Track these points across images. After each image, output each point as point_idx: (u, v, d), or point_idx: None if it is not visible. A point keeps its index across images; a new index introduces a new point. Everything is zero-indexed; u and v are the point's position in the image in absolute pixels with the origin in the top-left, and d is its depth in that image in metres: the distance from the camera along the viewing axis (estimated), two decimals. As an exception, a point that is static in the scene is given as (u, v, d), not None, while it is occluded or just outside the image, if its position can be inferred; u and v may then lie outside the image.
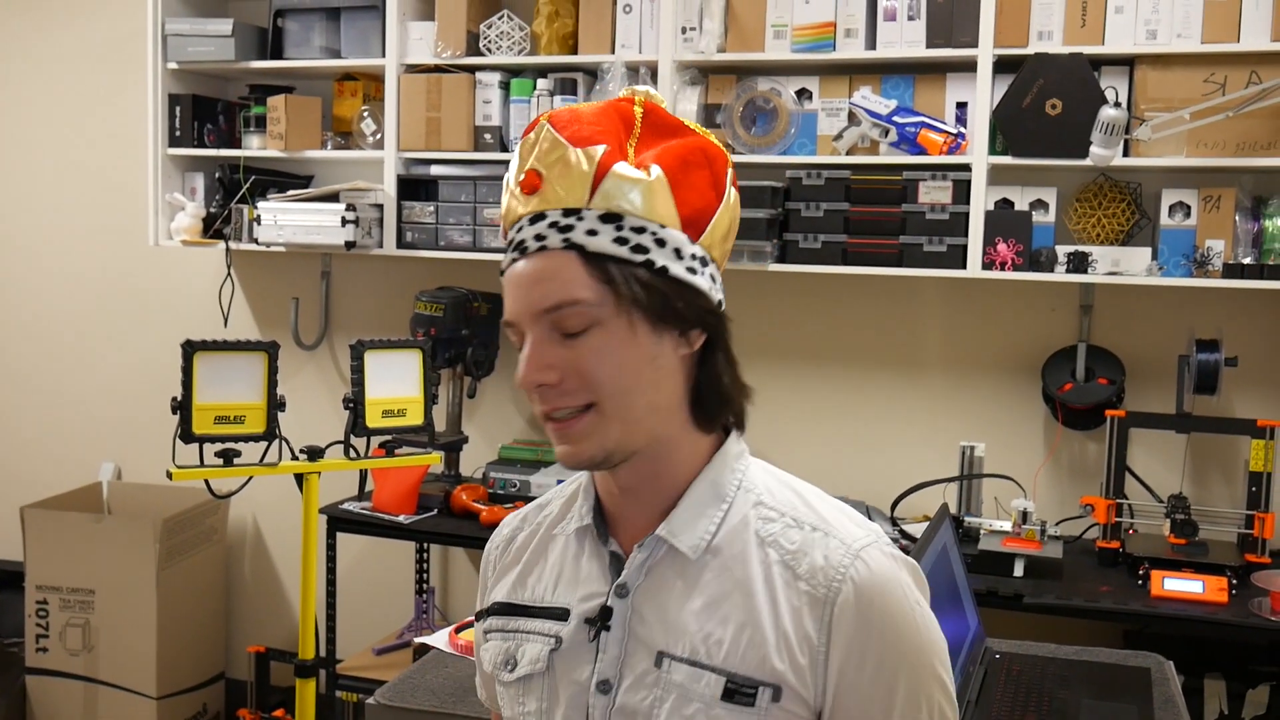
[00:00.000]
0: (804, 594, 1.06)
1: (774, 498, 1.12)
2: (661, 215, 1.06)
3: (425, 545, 3.58)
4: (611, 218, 1.05)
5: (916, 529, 2.90)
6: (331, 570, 3.24)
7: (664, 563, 1.11)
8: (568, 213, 1.05)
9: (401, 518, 3.13)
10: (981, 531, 2.81)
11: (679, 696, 1.07)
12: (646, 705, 1.08)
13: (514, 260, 1.07)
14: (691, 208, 1.08)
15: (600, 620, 1.11)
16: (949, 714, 1.10)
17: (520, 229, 1.07)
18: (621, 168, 1.06)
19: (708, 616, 1.08)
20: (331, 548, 3.23)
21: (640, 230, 1.05)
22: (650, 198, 1.06)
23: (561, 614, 1.14)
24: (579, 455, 1.07)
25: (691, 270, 1.07)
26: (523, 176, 1.08)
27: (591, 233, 1.05)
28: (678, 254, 1.07)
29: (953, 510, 2.94)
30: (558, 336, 1.05)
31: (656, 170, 1.06)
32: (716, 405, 1.12)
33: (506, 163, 3.22)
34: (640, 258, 1.05)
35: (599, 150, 1.06)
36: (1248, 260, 2.76)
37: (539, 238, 1.05)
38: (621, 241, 1.05)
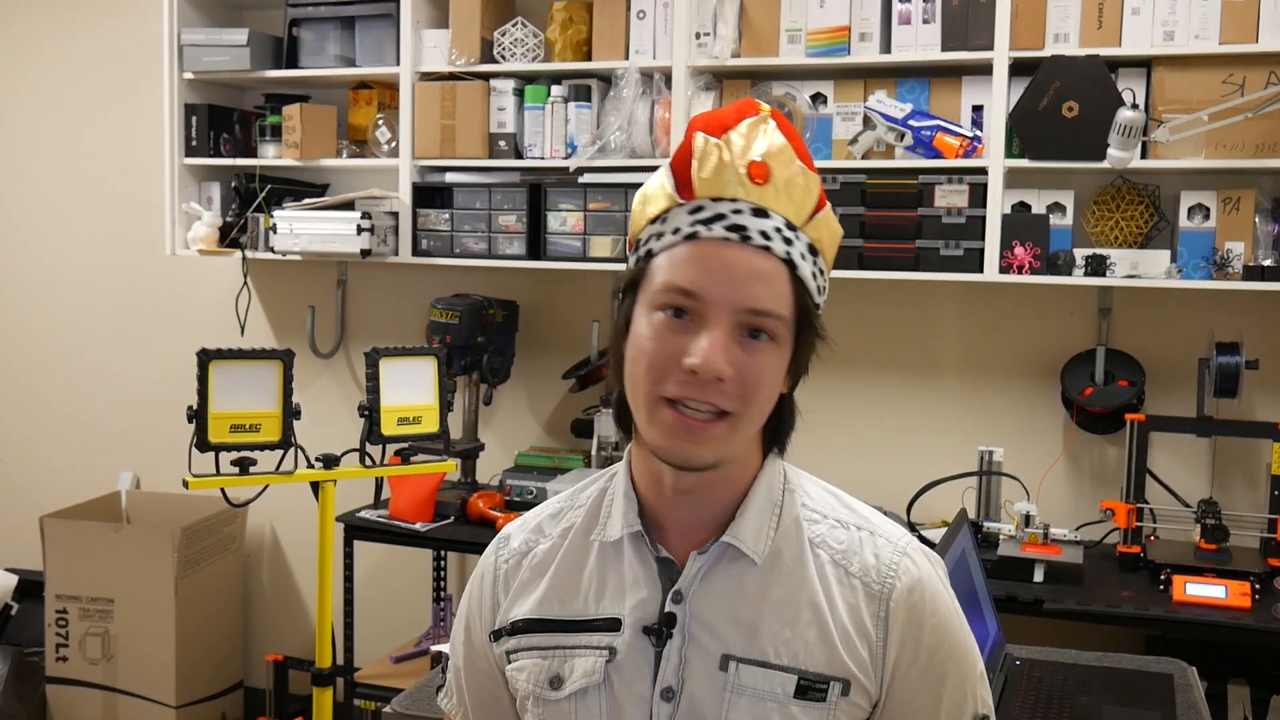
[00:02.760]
0: (859, 590, 1.11)
1: (814, 500, 1.16)
2: (829, 269, 1.12)
3: (442, 553, 3.57)
4: (814, 250, 1.09)
5: (935, 534, 2.88)
6: (349, 578, 3.24)
7: (721, 567, 1.11)
8: (789, 225, 1.07)
9: (418, 525, 3.13)
10: (1000, 536, 2.79)
11: (751, 698, 1.08)
12: (715, 709, 1.08)
13: (724, 239, 1.04)
14: (832, 259, 1.14)
15: (664, 627, 1.10)
16: (988, 706, 1.16)
17: (740, 212, 1.05)
18: (830, 210, 1.10)
19: (774, 618, 1.10)
20: (349, 556, 3.23)
21: (823, 273, 1.11)
22: (835, 249, 1.12)
23: (612, 624, 1.12)
24: (697, 457, 1.06)
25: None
26: (753, 161, 1.06)
27: (803, 257, 1.07)
28: (822, 306, 1.12)
29: (971, 515, 2.92)
30: (737, 336, 1.04)
31: (837, 224, 1.12)
32: (785, 441, 1.17)
33: (521, 170, 3.26)
34: (819, 300, 1.10)
35: (818, 180, 1.10)
36: (1268, 262, 2.74)
37: (765, 235, 1.05)
38: (815, 278, 1.09)
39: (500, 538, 1.24)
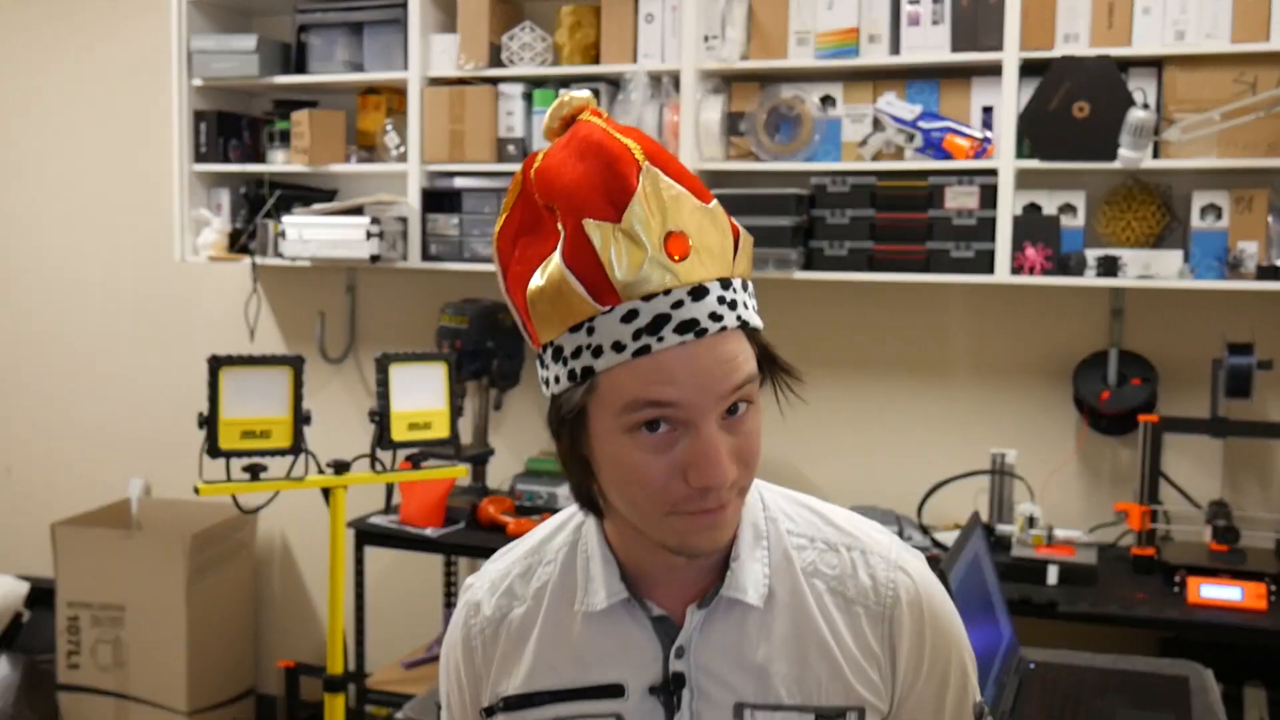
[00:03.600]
0: (861, 615, 1.09)
1: (796, 524, 1.12)
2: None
3: (453, 558, 3.57)
4: (746, 285, 1.00)
5: (947, 537, 2.87)
6: (360, 584, 3.24)
7: (719, 615, 1.07)
8: (724, 284, 0.97)
9: (429, 531, 3.13)
10: (1013, 539, 2.78)
11: None
12: None
13: (682, 343, 0.94)
14: None
15: (674, 687, 1.06)
16: (979, 697, 1.17)
17: (680, 305, 0.94)
18: (739, 227, 1.00)
19: (782, 658, 1.07)
20: (360, 561, 3.23)
21: (753, 296, 1.02)
22: (749, 253, 1.03)
23: (615, 690, 1.08)
24: (720, 541, 1.02)
25: None
26: (667, 236, 0.94)
27: (745, 304, 0.99)
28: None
29: (984, 518, 2.91)
30: (721, 423, 0.97)
31: (737, 225, 1.03)
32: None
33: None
34: (761, 325, 1.01)
35: (718, 206, 0.99)
36: (1281, 262, 2.73)
37: (715, 316, 0.95)
38: (756, 312, 1.01)
39: (468, 604, 1.17)
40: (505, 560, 1.18)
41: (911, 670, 1.09)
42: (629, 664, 1.08)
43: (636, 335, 0.94)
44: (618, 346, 0.95)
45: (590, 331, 0.96)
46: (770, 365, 1.02)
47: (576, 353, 0.97)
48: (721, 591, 1.07)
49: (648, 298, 0.94)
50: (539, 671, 1.10)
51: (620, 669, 1.08)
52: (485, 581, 1.17)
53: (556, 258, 0.96)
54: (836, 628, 1.08)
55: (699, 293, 0.95)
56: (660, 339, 0.94)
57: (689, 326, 0.94)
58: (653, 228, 0.94)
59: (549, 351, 1.00)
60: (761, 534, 1.10)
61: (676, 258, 0.94)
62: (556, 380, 0.99)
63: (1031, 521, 2.75)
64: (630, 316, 0.94)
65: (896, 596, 1.09)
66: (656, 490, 0.97)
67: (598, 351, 0.96)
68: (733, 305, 0.97)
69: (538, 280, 0.97)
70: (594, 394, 0.97)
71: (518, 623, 1.13)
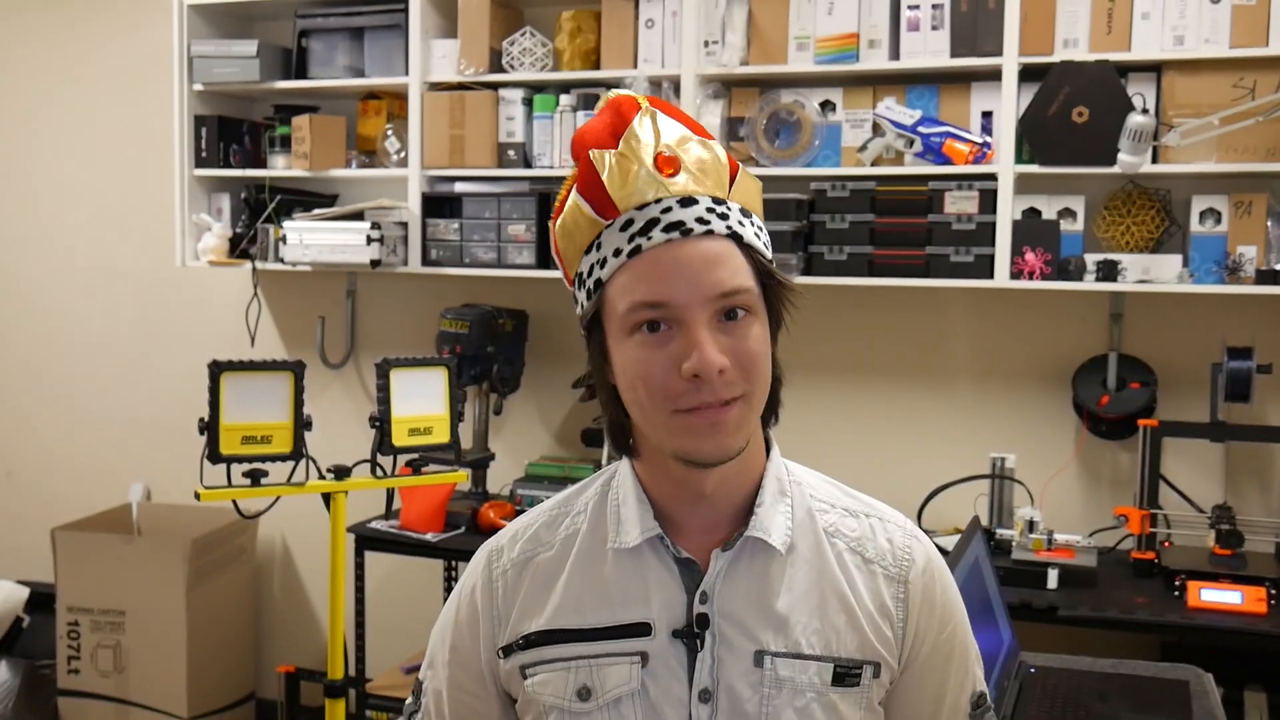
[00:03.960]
0: (879, 574, 1.14)
1: (818, 491, 1.19)
2: (763, 222, 1.13)
3: (453, 563, 3.57)
4: (746, 212, 1.09)
5: (948, 541, 2.87)
6: (360, 589, 3.24)
7: (743, 562, 1.12)
8: (717, 201, 1.06)
9: (429, 536, 3.13)
10: (1014, 543, 2.78)
11: (789, 690, 1.09)
12: (755, 704, 1.09)
13: (667, 241, 1.04)
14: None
15: (697, 629, 1.10)
16: (984, 684, 1.22)
17: (668, 210, 1.04)
18: (743, 170, 1.10)
19: (803, 609, 1.11)
20: (360, 566, 3.23)
21: (762, 229, 1.11)
22: (759, 203, 1.12)
23: (642, 629, 1.11)
24: (729, 448, 1.07)
25: None
26: (659, 155, 1.06)
27: (741, 224, 1.07)
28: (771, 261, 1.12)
29: (984, 523, 2.91)
30: (718, 324, 1.04)
31: (757, 182, 1.12)
32: (776, 401, 1.14)
33: (530, 179, 3.26)
34: (769, 256, 1.10)
35: (720, 148, 1.10)
36: (1280, 266, 2.73)
37: (702, 220, 1.04)
38: (758, 237, 1.09)
39: (490, 550, 1.20)
40: (529, 515, 1.23)
41: (921, 634, 1.15)
42: (655, 605, 1.11)
43: (631, 239, 1.05)
44: (616, 252, 1.05)
45: (598, 247, 1.07)
46: (770, 283, 1.08)
47: (590, 271, 1.08)
48: (746, 532, 1.11)
49: (642, 207, 1.05)
50: (565, 611, 1.14)
51: (648, 609, 1.12)
52: (508, 532, 1.22)
53: (572, 192, 1.09)
54: (855, 584, 1.13)
55: (688, 201, 1.05)
56: (649, 238, 1.04)
57: (676, 226, 1.04)
58: (646, 148, 1.06)
59: (575, 284, 1.11)
60: (785, 491, 1.15)
61: (668, 172, 1.05)
62: (580, 306, 1.11)
63: (1031, 526, 2.75)
64: (627, 225, 1.05)
65: (912, 560, 1.16)
66: (657, 386, 1.04)
67: (603, 263, 1.06)
68: (723, 217, 1.06)
69: (561, 219, 1.11)
70: (604, 304, 1.08)
71: (543, 566, 1.17)
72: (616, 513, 1.15)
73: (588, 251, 1.08)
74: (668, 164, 1.05)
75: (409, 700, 1.26)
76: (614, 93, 1.11)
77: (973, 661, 1.20)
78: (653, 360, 1.04)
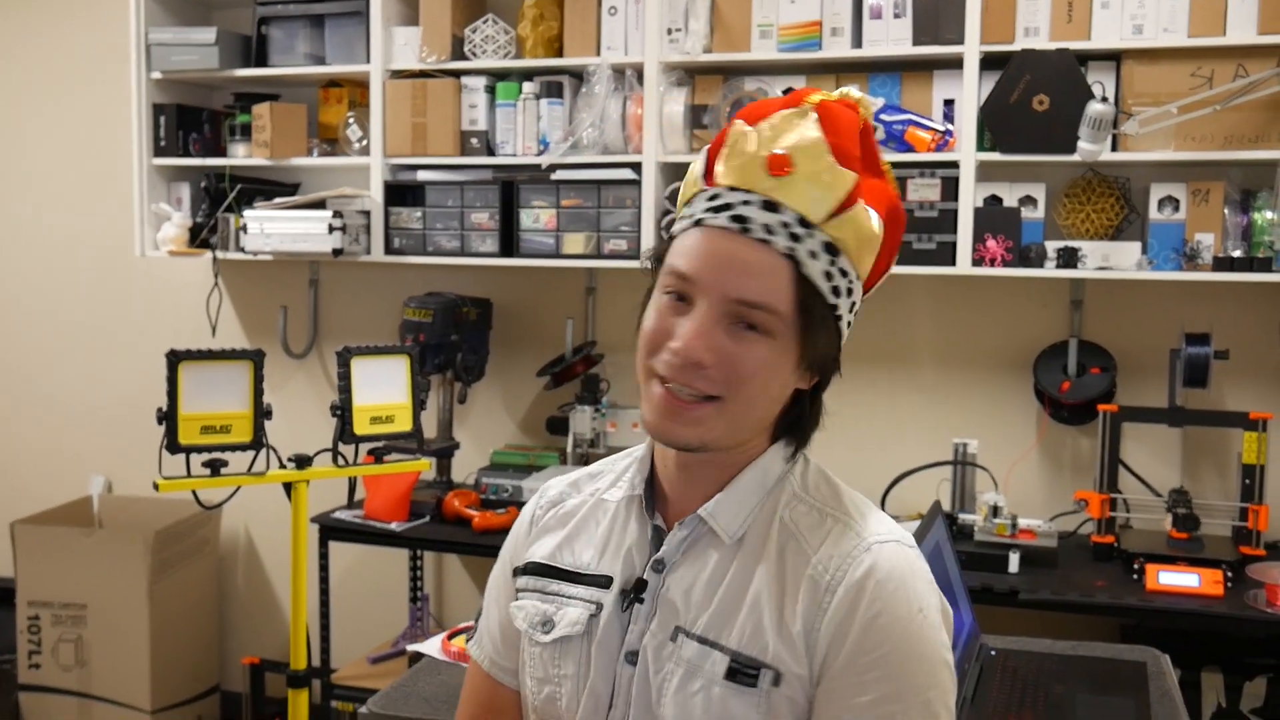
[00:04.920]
0: (809, 579, 1.08)
1: (810, 488, 1.17)
2: (863, 268, 1.10)
3: (418, 552, 3.56)
4: (833, 249, 1.07)
5: (910, 526, 2.88)
6: (325, 579, 3.22)
7: (701, 543, 1.14)
8: (802, 223, 1.05)
9: (394, 525, 3.12)
10: (975, 528, 2.80)
11: (686, 672, 1.10)
12: (659, 679, 1.11)
13: (724, 228, 1.05)
14: (879, 269, 1.13)
15: (634, 592, 1.14)
16: None
17: (748, 202, 1.05)
18: (863, 209, 1.07)
19: (724, 597, 1.11)
20: (324, 556, 3.21)
21: (845, 274, 1.09)
22: (866, 249, 1.09)
23: (605, 582, 1.17)
24: (680, 436, 1.08)
25: (849, 324, 1.12)
26: (776, 152, 1.05)
27: (813, 255, 1.06)
28: (852, 308, 1.11)
29: (946, 508, 2.93)
30: (726, 325, 1.05)
31: (879, 223, 1.09)
32: (804, 438, 1.17)
33: (494, 167, 3.24)
34: (834, 300, 1.08)
35: (851, 178, 1.06)
36: (1237, 253, 2.76)
37: (768, 229, 1.05)
38: (829, 277, 1.07)
39: (543, 489, 1.29)
40: (588, 467, 1.30)
41: (832, 649, 1.04)
42: (623, 562, 1.17)
43: (705, 212, 1.07)
44: (691, 216, 1.09)
45: (691, 205, 1.10)
46: (806, 323, 1.07)
47: (679, 220, 1.12)
48: (699, 512, 1.13)
49: (733, 189, 1.07)
50: (562, 550, 1.22)
51: (616, 565, 1.17)
52: (564, 477, 1.30)
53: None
54: (785, 586, 1.08)
55: (771, 206, 1.06)
56: (715, 216, 1.06)
57: (739, 219, 1.05)
58: (768, 141, 1.06)
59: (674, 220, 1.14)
60: (765, 487, 1.14)
61: (775, 172, 1.05)
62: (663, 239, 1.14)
63: (996, 511, 2.78)
64: (713, 198, 1.07)
65: (847, 572, 1.06)
66: (651, 341, 1.08)
67: (682, 220, 1.10)
68: (794, 238, 1.05)
69: (693, 165, 1.13)
70: (665, 253, 1.10)
71: (568, 508, 1.25)
72: (629, 467, 1.21)
73: (688, 203, 1.12)
74: (778, 164, 1.05)
75: (473, 626, 1.38)
76: (840, 92, 1.10)
77: (927, 702, 1.02)
78: (661, 320, 1.07)
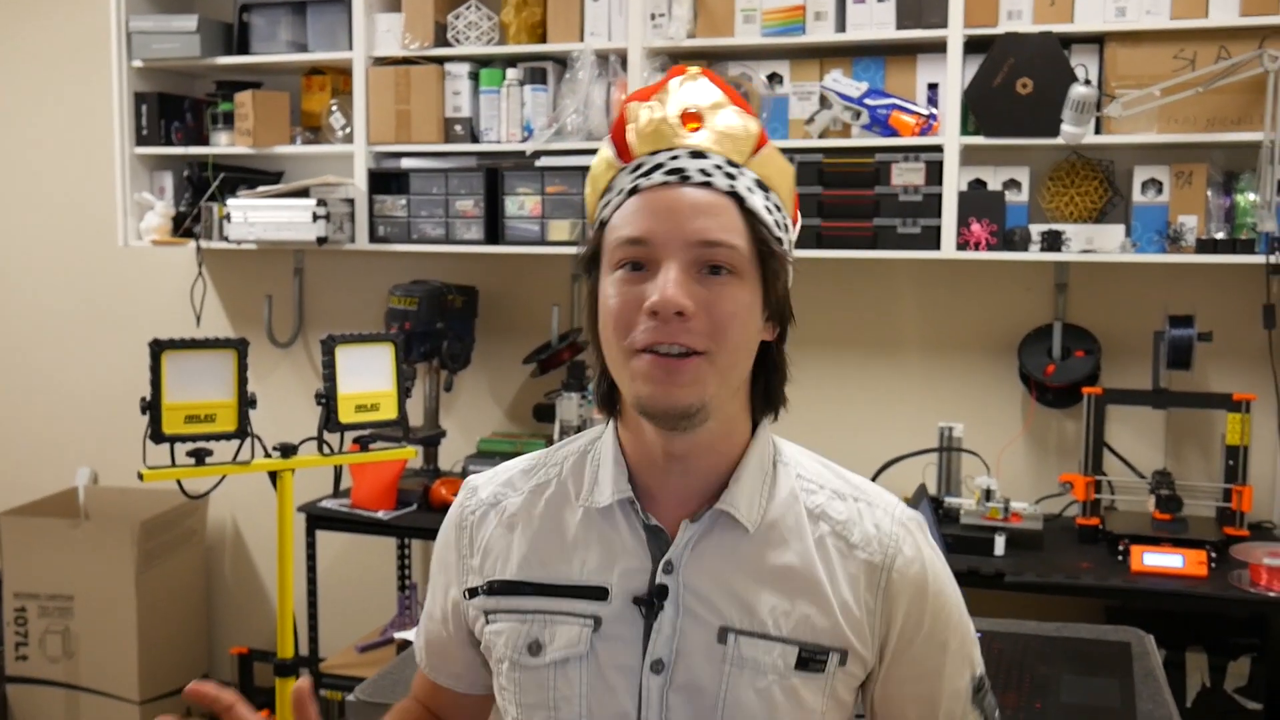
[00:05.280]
0: (861, 562, 1.11)
1: (807, 471, 1.16)
2: (788, 204, 1.13)
3: (406, 541, 3.56)
4: (763, 185, 1.09)
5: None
6: (312, 568, 3.22)
7: (714, 537, 1.10)
8: (730, 163, 1.08)
9: (381, 514, 3.11)
10: (961, 512, 2.81)
11: (751, 670, 1.08)
12: (714, 682, 1.07)
13: (664, 183, 1.06)
14: (791, 197, 1.14)
15: (656, 599, 1.09)
16: (981, 666, 1.19)
17: (676, 156, 1.07)
18: (773, 148, 1.11)
19: (773, 590, 1.09)
20: (311, 545, 3.21)
21: (780, 209, 1.11)
22: (787, 187, 1.12)
23: (598, 593, 1.10)
24: (677, 399, 1.04)
25: (791, 273, 1.12)
26: (685, 110, 1.08)
27: (750, 190, 1.07)
28: (790, 249, 1.12)
29: (932, 491, 2.94)
30: (695, 274, 1.04)
31: (789, 166, 1.12)
32: (778, 396, 1.15)
33: (478, 154, 3.23)
34: (779, 235, 1.09)
35: (756, 122, 1.11)
36: (1220, 235, 2.77)
37: (705, 173, 1.06)
38: (769, 212, 1.09)
39: (467, 487, 1.23)
40: (512, 461, 1.25)
41: (910, 627, 1.11)
42: (618, 569, 1.11)
43: (634, 180, 1.07)
44: (620, 191, 1.08)
45: (610, 189, 1.10)
46: (764, 257, 1.07)
47: (600, 211, 1.11)
48: (717, 505, 1.10)
49: (654, 153, 1.08)
50: (530, 563, 1.15)
51: (609, 574, 1.11)
52: (489, 473, 1.24)
53: (604, 142, 1.12)
54: (833, 569, 1.10)
55: (699, 155, 1.07)
56: (649, 179, 1.06)
57: (675, 172, 1.06)
58: (675, 102, 1.09)
59: (593, 224, 1.13)
60: (766, 469, 1.14)
61: (689, 126, 1.08)
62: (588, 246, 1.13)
63: (989, 494, 2.78)
64: (637, 168, 1.08)
65: (899, 549, 1.12)
66: (623, 320, 1.05)
67: (609, 203, 1.09)
68: (730, 177, 1.07)
69: (593, 166, 1.13)
70: (602, 242, 1.09)
71: (509, 511, 1.18)
72: (594, 472, 1.15)
73: (604, 193, 1.11)
74: (691, 119, 1.08)
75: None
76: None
77: (969, 646, 1.17)
78: (626, 295, 1.05)
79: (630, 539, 1.11)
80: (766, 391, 1.14)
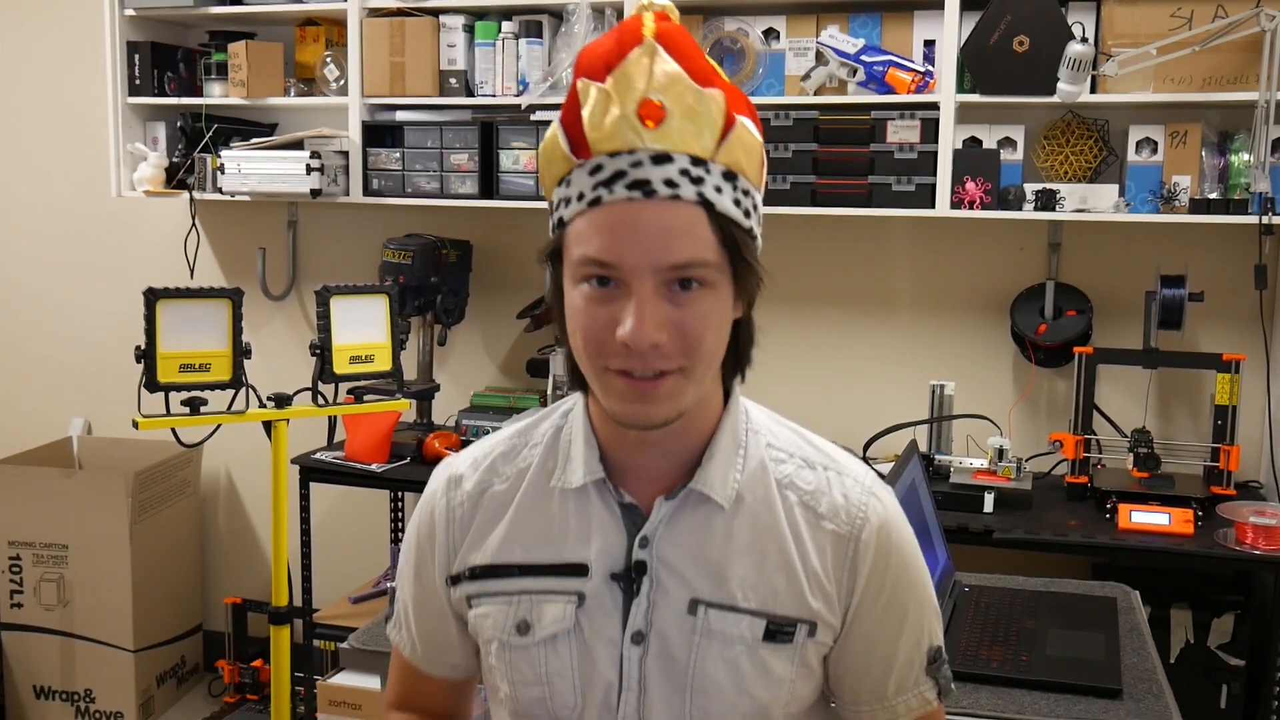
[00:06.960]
0: (829, 532, 1.11)
1: (778, 440, 1.16)
2: (756, 179, 1.07)
3: (399, 493, 3.58)
4: (731, 176, 1.02)
5: (885, 467, 2.92)
6: (306, 520, 3.24)
7: (686, 512, 1.11)
8: (696, 161, 1.00)
9: (374, 466, 3.13)
10: (953, 468, 2.83)
11: (721, 641, 1.09)
12: (684, 652, 1.09)
13: (628, 198, 0.98)
14: (760, 169, 1.08)
15: (634, 573, 1.10)
16: (940, 638, 1.19)
17: (640, 165, 0.98)
18: (745, 125, 1.03)
19: (741, 562, 1.10)
20: (305, 498, 3.22)
21: (749, 194, 1.05)
22: (756, 161, 1.06)
23: (579, 570, 1.11)
24: (653, 415, 1.03)
25: (760, 234, 1.09)
26: (643, 101, 0.99)
27: (718, 190, 1.01)
28: (759, 219, 1.08)
29: (923, 449, 2.96)
30: (666, 291, 1.00)
31: (755, 128, 1.05)
32: (747, 363, 1.14)
33: (473, 108, 3.21)
34: (748, 224, 1.05)
35: (720, 97, 1.01)
36: (1214, 195, 2.77)
37: (670, 184, 0.99)
38: (737, 204, 1.03)
39: (450, 478, 1.20)
40: (490, 440, 1.22)
41: (871, 595, 1.12)
42: (595, 546, 1.11)
43: (595, 187, 1.00)
44: (580, 196, 1.01)
45: (568, 184, 1.03)
46: (735, 258, 1.03)
47: (558, 205, 1.04)
48: (690, 485, 1.10)
49: (614, 155, 0.99)
50: (510, 545, 1.14)
51: (587, 550, 1.12)
52: (469, 458, 1.21)
53: (555, 117, 1.04)
54: (802, 540, 1.11)
55: (661, 159, 0.99)
56: (611, 191, 0.99)
57: (639, 185, 0.99)
58: (633, 91, 0.99)
59: (552, 211, 1.06)
60: (740, 442, 1.13)
61: (649, 123, 0.99)
62: (550, 233, 1.07)
63: (1001, 454, 2.80)
64: (596, 170, 1.00)
65: (866, 519, 1.12)
66: (594, 341, 1.02)
67: (568, 202, 1.03)
68: (697, 181, 1.00)
69: (543, 143, 1.07)
70: (565, 244, 1.04)
71: (496, 499, 1.17)
72: (567, 450, 1.14)
73: (559, 184, 1.04)
74: (650, 113, 0.99)
75: (386, 607, 1.31)
76: (642, 5, 1.03)
77: (930, 617, 1.17)
78: (595, 314, 1.01)
79: (606, 516, 1.12)
80: (736, 359, 1.13)
